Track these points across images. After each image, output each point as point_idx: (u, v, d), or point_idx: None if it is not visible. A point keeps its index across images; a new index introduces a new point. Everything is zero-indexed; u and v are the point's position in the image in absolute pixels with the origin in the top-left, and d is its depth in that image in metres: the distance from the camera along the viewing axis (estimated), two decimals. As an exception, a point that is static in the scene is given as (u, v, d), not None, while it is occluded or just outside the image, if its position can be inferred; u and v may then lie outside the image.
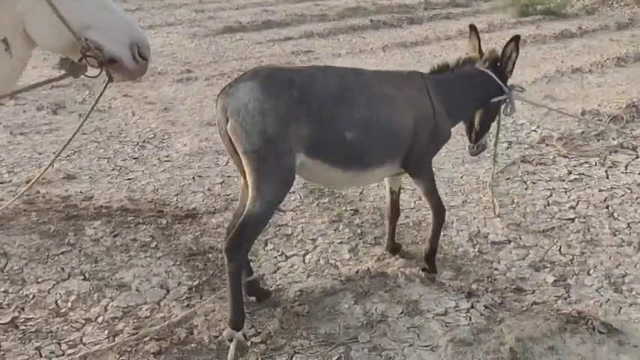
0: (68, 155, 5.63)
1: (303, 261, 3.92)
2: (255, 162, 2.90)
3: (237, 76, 3.06)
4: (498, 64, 3.66)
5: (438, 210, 3.60)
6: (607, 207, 4.56)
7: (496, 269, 3.77)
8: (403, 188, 4.36)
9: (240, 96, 2.87)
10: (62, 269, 3.82)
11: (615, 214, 4.43)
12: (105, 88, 2.55)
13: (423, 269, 3.68)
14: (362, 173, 3.30)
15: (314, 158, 3.06)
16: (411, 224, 4.35)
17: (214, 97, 7.42)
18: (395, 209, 3.87)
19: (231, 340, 3.00)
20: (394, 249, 3.92)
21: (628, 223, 4.30)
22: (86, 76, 2.41)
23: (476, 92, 3.67)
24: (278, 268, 3.84)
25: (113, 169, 5.35)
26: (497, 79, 3.64)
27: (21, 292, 3.58)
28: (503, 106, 3.81)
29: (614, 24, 11.69)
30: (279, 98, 2.88)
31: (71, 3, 2.26)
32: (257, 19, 12.85)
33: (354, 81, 3.20)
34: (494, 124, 3.95)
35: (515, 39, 3.60)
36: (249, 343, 3.07)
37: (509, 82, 3.79)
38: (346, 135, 3.06)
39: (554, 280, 3.64)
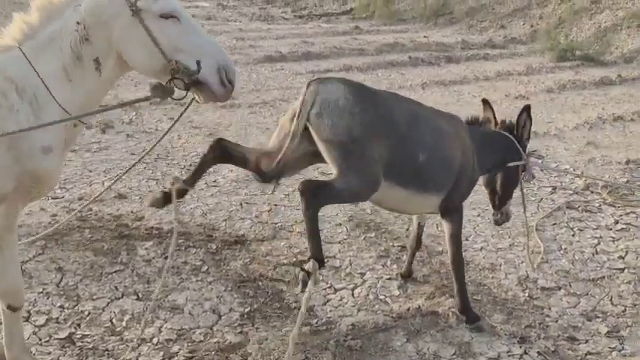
0: (118, 174, 5.73)
1: (352, 295, 3.94)
2: (340, 151, 2.96)
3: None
4: (515, 132, 3.83)
5: (458, 259, 3.58)
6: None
7: (548, 316, 3.75)
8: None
9: (334, 89, 2.99)
10: (116, 288, 3.88)
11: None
12: (187, 107, 2.64)
13: (465, 322, 3.59)
14: (420, 197, 3.37)
15: (388, 180, 3.13)
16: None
17: (258, 125, 7.61)
18: (418, 241, 4.02)
19: (309, 275, 2.92)
20: (409, 274, 4.08)
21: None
22: (173, 98, 2.49)
23: (498, 152, 3.79)
24: (328, 301, 3.86)
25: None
26: (516, 143, 3.78)
27: (76, 308, 3.65)
28: (522, 173, 3.89)
29: (654, 73, 11.67)
30: (366, 108, 3.01)
31: (164, 27, 2.39)
32: (297, 49, 13.06)
33: (425, 112, 3.42)
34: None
35: (527, 109, 3.80)
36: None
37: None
38: (420, 157, 3.19)
39: (608, 331, 3.61)
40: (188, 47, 2.41)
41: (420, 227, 3.98)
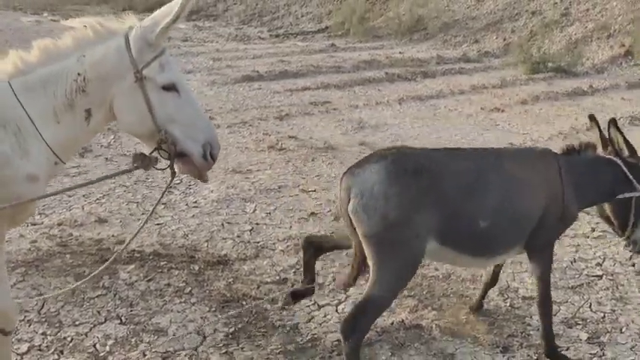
0: (98, 199, 5.73)
1: (336, 311, 3.96)
2: (376, 246, 2.87)
3: (366, 155, 3.12)
4: (630, 158, 3.37)
5: (545, 299, 3.35)
6: (633, 265, 4.61)
7: (529, 324, 3.80)
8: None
9: (366, 178, 2.87)
10: (98, 312, 3.86)
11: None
12: (170, 184, 2.71)
13: (547, 356, 3.40)
14: (491, 260, 3.31)
15: (445, 245, 3.01)
16: (440, 277, 4.39)
17: (238, 145, 7.63)
18: (495, 278, 3.78)
19: None
20: (478, 307, 3.88)
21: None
22: (156, 168, 2.55)
23: (602, 181, 3.37)
24: (312, 317, 3.87)
25: (143, 214, 5.43)
26: (626, 171, 3.32)
27: (59, 334, 3.62)
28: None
29: (624, 83, 11.93)
30: (405, 185, 2.85)
31: (164, 98, 2.42)
32: (274, 68, 13.14)
33: (486, 164, 3.13)
34: None
35: (612, 122, 3.40)
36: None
37: None
38: (480, 224, 2.99)
39: (588, 338, 3.67)
40: (181, 120, 2.44)
41: (498, 266, 3.71)
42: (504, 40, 16.56)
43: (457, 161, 3.08)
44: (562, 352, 3.43)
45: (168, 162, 2.51)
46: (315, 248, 3.43)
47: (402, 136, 8.23)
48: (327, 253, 4.66)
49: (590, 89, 11.41)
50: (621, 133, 3.38)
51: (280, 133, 8.28)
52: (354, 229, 2.94)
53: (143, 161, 2.49)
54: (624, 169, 3.32)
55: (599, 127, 3.51)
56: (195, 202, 5.76)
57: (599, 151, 3.49)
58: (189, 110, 2.47)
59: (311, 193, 6.02)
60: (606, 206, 3.49)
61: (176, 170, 2.56)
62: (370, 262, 2.93)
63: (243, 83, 11.77)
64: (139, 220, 5.30)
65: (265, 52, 15.95)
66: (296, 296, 3.55)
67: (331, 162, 7.01)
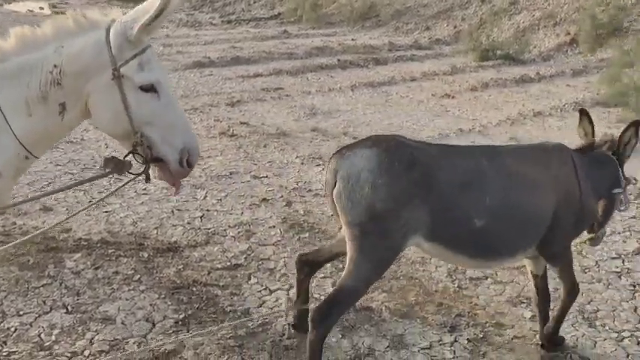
0: (42, 187, 5.58)
1: (288, 295, 3.96)
2: (358, 235, 2.74)
3: (358, 140, 2.94)
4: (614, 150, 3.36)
5: (572, 289, 3.33)
6: (575, 246, 4.75)
7: (476, 304, 3.89)
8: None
9: (355, 162, 2.72)
10: (44, 302, 3.77)
11: (584, 252, 4.62)
12: (133, 178, 2.47)
13: (542, 346, 3.43)
14: (492, 262, 3.16)
15: (434, 242, 2.86)
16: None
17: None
18: (543, 294, 3.41)
19: None
20: (556, 342, 3.45)
21: (596, 261, 4.50)
22: (130, 173, 2.38)
23: (607, 177, 3.32)
24: (263, 302, 3.87)
25: (90, 201, 5.31)
26: (620, 170, 3.32)
27: (2, 325, 3.52)
28: (620, 199, 3.39)
29: (569, 70, 12.27)
30: (396, 176, 2.70)
31: (141, 99, 2.26)
32: (226, 55, 13.01)
33: (488, 163, 2.94)
34: None
35: (636, 124, 3.27)
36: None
37: None
38: (475, 223, 2.82)
39: (532, 316, 3.77)
40: (159, 123, 2.28)
41: (537, 277, 3.38)
42: (455, 27, 16.82)
43: (453, 157, 2.92)
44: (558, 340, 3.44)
45: (144, 167, 2.34)
46: (310, 266, 3.29)
47: (355, 122, 8.27)
48: (279, 239, 4.69)
49: (537, 76, 11.68)
50: (637, 138, 3.31)
51: (232, 120, 8.22)
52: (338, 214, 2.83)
53: (116, 165, 2.35)
54: (618, 166, 3.33)
55: (591, 123, 3.39)
56: (145, 189, 5.66)
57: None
58: (169, 114, 2.31)
59: (263, 179, 6.00)
60: (601, 203, 3.35)
61: (151, 176, 2.41)
62: (348, 250, 2.81)
63: (194, 69, 11.62)
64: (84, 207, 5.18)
65: (217, 38, 15.78)
66: (297, 326, 3.41)
67: (283, 148, 6.99)
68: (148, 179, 2.42)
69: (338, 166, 2.77)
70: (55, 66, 2.26)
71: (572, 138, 7.46)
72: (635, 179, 3.68)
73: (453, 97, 9.94)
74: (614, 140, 3.35)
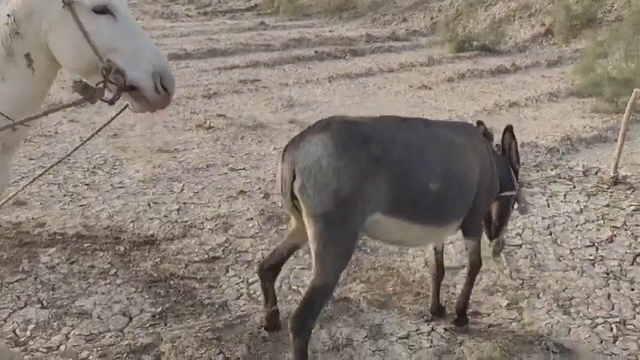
0: (16, 181, 5.48)
1: (266, 287, 3.95)
2: (323, 226, 2.68)
3: (306, 128, 2.87)
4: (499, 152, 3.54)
5: (476, 265, 3.51)
6: (550, 234, 4.82)
7: (453, 294, 3.92)
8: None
9: (312, 151, 2.65)
10: (18, 297, 3.72)
11: (559, 241, 4.69)
12: (122, 111, 2.40)
13: (454, 321, 3.55)
14: (440, 229, 3.16)
15: (392, 216, 2.85)
16: (369, 251, 4.46)
17: (165, 124, 7.46)
18: (440, 269, 3.59)
19: None
20: (440, 311, 3.65)
21: (571, 249, 4.56)
22: (103, 100, 2.23)
23: (503, 172, 3.48)
24: (241, 295, 3.86)
25: (65, 195, 5.25)
26: (512, 173, 3.52)
27: (-25, 321, 3.47)
28: (515, 203, 3.61)
29: (544, 61, 12.38)
30: (355, 155, 2.67)
31: (98, 23, 2.18)
32: (202, 47, 12.91)
33: (428, 131, 3.05)
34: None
35: (508, 129, 3.53)
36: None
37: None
38: (431, 187, 2.87)
39: (508, 304, 3.82)
40: (122, 48, 2.18)
41: (438, 252, 3.57)
42: (432, 19, 16.87)
43: (401, 129, 2.94)
44: (468, 316, 3.59)
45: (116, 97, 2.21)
46: (272, 271, 3.26)
47: (332, 113, 8.22)
48: (257, 231, 4.68)
49: (513, 67, 11.77)
50: (516, 141, 3.56)
51: (208, 112, 8.16)
52: (297, 209, 2.77)
53: (87, 90, 2.18)
54: (511, 170, 3.52)
55: (510, 135, 3.55)
56: (121, 182, 5.61)
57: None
58: (131, 37, 2.20)
59: (240, 171, 5.98)
60: (493, 205, 3.55)
61: (131, 108, 2.30)
62: (312, 245, 2.74)
63: (170, 61, 11.45)
64: (61, 202, 5.12)
65: (193, 29, 15.65)
66: (270, 327, 3.39)
67: (261, 140, 6.97)
68: (129, 108, 2.31)
69: (295, 159, 2.68)
70: (8, 15, 2.20)
71: (547, 128, 7.57)
72: (529, 184, 3.80)
73: (429, 88, 9.98)
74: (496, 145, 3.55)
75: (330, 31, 16.19)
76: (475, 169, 3.13)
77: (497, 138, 3.60)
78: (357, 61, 12.29)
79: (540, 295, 3.95)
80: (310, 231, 2.72)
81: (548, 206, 5.35)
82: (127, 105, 2.32)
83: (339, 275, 2.90)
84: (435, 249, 3.56)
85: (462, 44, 13.49)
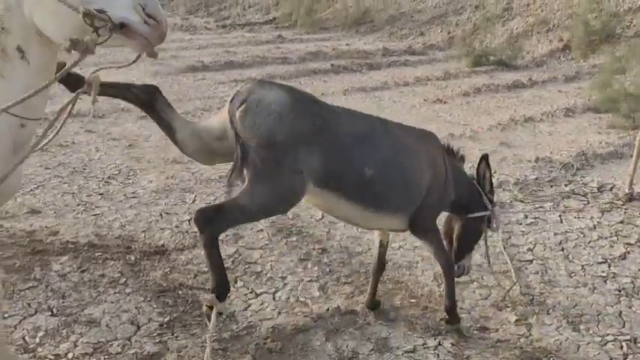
0: (31, 190, 5.58)
1: (274, 298, 3.97)
2: (254, 153, 2.80)
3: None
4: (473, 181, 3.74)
5: (447, 265, 3.57)
6: (562, 249, 4.78)
7: (461, 308, 3.89)
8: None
9: (270, 93, 2.87)
10: (29, 305, 3.76)
11: (570, 257, 4.65)
12: (138, 57, 2.30)
13: (446, 321, 3.65)
14: (377, 215, 3.26)
15: (325, 188, 3.02)
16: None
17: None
18: (381, 263, 3.76)
19: (211, 309, 2.86)
20: (374, 305, 3.81)
21: (582, 265, 4.51)
22: (98, 44, 2.12)
23: (464, 193, 3.65)
24: (249, 306, 3.87)
25: (78, 205, 5.32)
26: (482, 194, 3.68)
27: (-14, 327, 3.51)
28: (490, 222, 3.75)
29: (561, 76, 12.31)
30: (301, 117, 2.90)
31: None
32: (219, 59, 13.03)
33: (380, 126, 3.24)
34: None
35: (485, 158, 3.68)
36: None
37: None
38: (366, 171, 3.05)
39: (517, 320, 3.79)
40: None
41: (382, 247, 3.73)
42: (449, 33, 16.88)
43: (353, 117, 3.18)
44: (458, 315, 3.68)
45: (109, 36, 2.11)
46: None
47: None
48: (267, 243, 4.69)
49: (530, 82, 11.72)
50: (490, 170, 3.73)
51: (223, 124, 8.21)
52: (237, 135, 2.84)
53: (79, 44, 2.12)
54: (481, 193, 3.69)
55: (485, 164, 3.71)
56: (134, 192, 5.67)
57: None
58: None
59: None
60: (456, 226, 3.74)
61: (136, 50, 2.21)
62: (247, 173, 2.85)
63: (187, 74, 11.64)
64: (74, 211, 5.19)
65: (211, 42, 15.81)
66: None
67: (274, 152, 7.00)
68: (111, 31, 2.15)
69: (254, 89, 2.88)
70: None
71: (563, 143, 7.52)
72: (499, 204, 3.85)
73: (444, 102, 9.97)
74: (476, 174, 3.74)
75: (346, 44, 16.26)
76: (425, 173, 3.33)
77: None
78: (373, 75, 12.32)
79: (550, 311, 3.91)
80: (242, 157, 2.82)
81: (561, 222, 5.31)
82: (108, 38, 2.17)
83: (262, 211, 3.00)
84: (380, 242, 3.72)
85: (479, 59, 13.46)
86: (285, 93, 2.93)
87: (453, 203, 3.64)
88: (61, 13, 2.13)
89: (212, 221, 2.81)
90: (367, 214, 3.23)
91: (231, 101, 2.90)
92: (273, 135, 2.81)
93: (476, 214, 3.67)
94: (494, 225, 3.78)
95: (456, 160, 3.70)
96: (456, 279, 3.67)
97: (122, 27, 2.13)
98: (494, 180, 6.11)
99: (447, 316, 3.65)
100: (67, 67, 2.34)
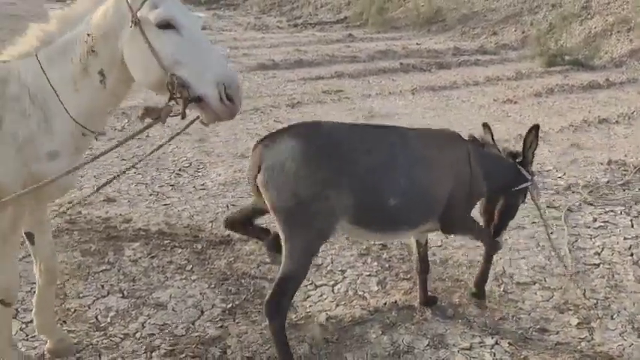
0: (108, 179, 5.87)
1: (332, 291, 4.04)
2: (285, 219, 2.89)
3: (279, 128, 3.09)
4: (518, 159, 3.75)
5: (491, 246, 3.74)
6: (631, 255, 4.63)
7: (521, 309, 3.86)
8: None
9: (280, 151, 2.85)
10: (102, 286, 3.99)
11: (640, 262, 4.50)
12: (192, 122, 2.45)
13: (473, 294, 3.84)
14: (399, 234, 3.42)
15: (354, 224, 3.07)
16: (438, 262, 4.45)
17: (248, 131, 7.73)
18: (424, 263, 3.75)
19: None
20: (430, 302, 3.83)
21: (652, 271, 4.36)
22: (173, 116, 2.32)
23: (499, 177, 3.68)
24: (308, 297, 3.97)
25: (151, 195, 5.56)
26: (521, 169, 3.70)
27: (63, 305, 3.76)
28: (530, 192, 3.80)
29: (641, 77, 11.81)
30: (318, 165, 2.87)
31: (163, 38, 2.31)
32: (290, 57, 13.22)
33: (397, 143, 3.19)
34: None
35: (535, 128, 3.69)
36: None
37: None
38: (390, 202, 3.06)
39: (578, 323, 3.72)
40: (186, 61, 2.28)
41: (420, 246, 3.71)
42: (523, 32, 16.46)
43: (370, 140, 3.11)
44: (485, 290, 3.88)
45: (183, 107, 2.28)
46: (241, 224, 3.36)
47: (412, 125, 8.21)
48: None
49: (606, 82, 11.30)
50: (537, 141, 3.74)
51: (291, 120, 8.35)
52: (262, 199, 2.96)
53: (152, 112, 2.33)
54: (519, 168, 3.71)
55: (491, 133, 3.82)
56: (203, 184, 5.88)
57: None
58: (194, 49, 2.28)
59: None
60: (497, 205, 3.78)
61: (204, 120, 2.38)
62: (281, 235, 2.95)
63: (258, 71, 11.88)
64: (147, 200, 5.44)
65: (282, 41, 16.04)
66: (271, 247, 3.32)
67: (339, 149, 7.07)
68: (200, 122, 2.39)
69: (263, 156, 2.88)
70: (87, 35, 2.43)
71: (638, 146, 7.23)
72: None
73: (515, 103, 9.77)
74: (515, 152, 3.79)
75: (417, 43, 16.15)
76: (445, 181, 3.31)
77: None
78: (443, 74, 12.19)
79: (614, 316, 3.81)
80: (277, 223, 2.94)
81: (632, 226, 5.14)
82: (198, 116, 2.41)
83: (307, 266, 3.06)
84: (418, 243, 3.70)
85: (554, 58, 13.07)
86: (295, 144, 2.87)
87: (489, 191, 3.64)
88: (149, 64, 2.32)
89: (278, 308, 2.97)
90: (392, 234, 3.39)
91: (248, 175, 3.04)
92: (297, 195, 2.84)
93: (519, 187, 3.71)
94: (536, 194, 3.83)
95: (485, 148, 3.72)
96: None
97: (199, 100, 2.28)
98: (562, 182, 6.04)
99: (474, 290, 3.84)
100: (139, 130, 2.54)
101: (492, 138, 3.81)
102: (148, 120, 2.40)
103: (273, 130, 3.12)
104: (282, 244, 2.97)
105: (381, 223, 3.19)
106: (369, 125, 3.57)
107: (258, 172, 2.89)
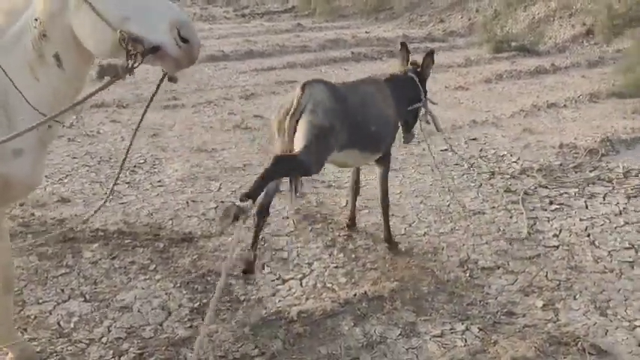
0: (60, 179, 5.67)
1: (301, 284, 4.02)
2: (319, 131, 3.64)
3: (311, 79, 3.86)
4: (418, 69, 4.60)
5: (386, 195, 4.49)
6: (588, 235, 4.76)
7: (488, 293, 3.91)
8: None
9: (320, 91, 3.76)
10: (62, 291, 3.85)
11: (596, 243, 4.63)
12: (161, 81, 2.36)
13: (388, 248, 4.47)
14: (372, 155, 4.25)
15: (348, 149, 3.95)
16: (403, 250, 4.48)
17: (203, 124, 7.61)
18: (356, 184, 4.68)
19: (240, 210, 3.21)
20: (352, 222, 4.78)
21: (609, 251, 4.49)
22: (129, 71, 2.21)
23: (408, 94, 4.49)
24: (277, 291, 3.93)
25: (106, 193, 5.39)
26: (418, 83, 4.54)
27: (22, 312, 3.61)
28: (421, 114, 4.64)
29: (584, 61, 12.16)
30: (338, 106, 3.79)
31: None
32: (240, 48, 13.07)
33: (364, 90, 4.15)
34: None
35: (430, 53, 4.66)
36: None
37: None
38: (371, 128, 4.01)
39: (544, 305, 3.80)
40: (134, 13, 2.15)
41: (357, 170, 4.69)
42: (469, 19, 16.74)
43: (357, 90, 4.10)
44: (396, 241, 4.56)
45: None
46: (267, 210, 4.15)
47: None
48: (292, 230, 4.74)
49: (552, 67, 11.60)
50: (433, 61, 4.68)
51: (245, 112, 8.27)
52: (296, 121, 3.68)
53: (110, 69, 2.25)
54: (417, 83, 4.55)
55: (407, 52, 4.72)
56: (160, 181, 5.75)
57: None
58: (135, 0, 2.17)
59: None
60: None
61: (167, 72, 2.27)
62: (304, 140, 3.60)
63: (208, 63, 11.69)
64: (103, 199, 5.25)
65: (231, 32, 15.85)
66: (249, 271, 4.10)
67: (296, 140, 7.03)
68: (168, 77, 2.30)
69: (312, 92, 3.73)
70: (35, 20, 2.31)
71: (587, 129, 7.46)
72: (432, 101, 4.69)
73: (466, 89, 9.92)
74: (417, 63, 4.63)
75: (366, 32, 16.20)
76: (391, 112, 4.25)
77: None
78: (394, 62, 12.25)
79: (577, 296, 3.91)
80: (304, 132, 3.64)
81: (587, 208, 5.28)
82: (165, 73, 2.30)
83: (318, 164, 3.71)
84: (357, 169, 4.67)
85: (500, 45, 13.34)
86: (327, 90, 3.79)
87: (406, 113, 4.52)
88: (98, 29, 2.20)
89: (284, 162, 3.59)
90: (371, 156, 4.25)
91: (296, 106, 3.71)
92: (331, 120, 3.71)
93: (414, 106, 4.53)
94: (427, 116, 4.65)
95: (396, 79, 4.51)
96: None
97: (155, 50, 2.17)
98: (517, 166, 6.16)
99: (387, 245, 4.50)
100: (97, 89, 2.39)
101: (407, 54, 4.67)
102: (107, 78, 2.30)
103: (302, 81, 3.84)
104: (303, 144, 3.59)
105: (367, 145, 4.09)
106: (355, 82, 4.40)
107: (307, 104, 3.68)
